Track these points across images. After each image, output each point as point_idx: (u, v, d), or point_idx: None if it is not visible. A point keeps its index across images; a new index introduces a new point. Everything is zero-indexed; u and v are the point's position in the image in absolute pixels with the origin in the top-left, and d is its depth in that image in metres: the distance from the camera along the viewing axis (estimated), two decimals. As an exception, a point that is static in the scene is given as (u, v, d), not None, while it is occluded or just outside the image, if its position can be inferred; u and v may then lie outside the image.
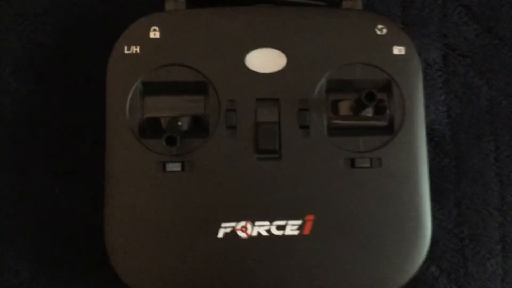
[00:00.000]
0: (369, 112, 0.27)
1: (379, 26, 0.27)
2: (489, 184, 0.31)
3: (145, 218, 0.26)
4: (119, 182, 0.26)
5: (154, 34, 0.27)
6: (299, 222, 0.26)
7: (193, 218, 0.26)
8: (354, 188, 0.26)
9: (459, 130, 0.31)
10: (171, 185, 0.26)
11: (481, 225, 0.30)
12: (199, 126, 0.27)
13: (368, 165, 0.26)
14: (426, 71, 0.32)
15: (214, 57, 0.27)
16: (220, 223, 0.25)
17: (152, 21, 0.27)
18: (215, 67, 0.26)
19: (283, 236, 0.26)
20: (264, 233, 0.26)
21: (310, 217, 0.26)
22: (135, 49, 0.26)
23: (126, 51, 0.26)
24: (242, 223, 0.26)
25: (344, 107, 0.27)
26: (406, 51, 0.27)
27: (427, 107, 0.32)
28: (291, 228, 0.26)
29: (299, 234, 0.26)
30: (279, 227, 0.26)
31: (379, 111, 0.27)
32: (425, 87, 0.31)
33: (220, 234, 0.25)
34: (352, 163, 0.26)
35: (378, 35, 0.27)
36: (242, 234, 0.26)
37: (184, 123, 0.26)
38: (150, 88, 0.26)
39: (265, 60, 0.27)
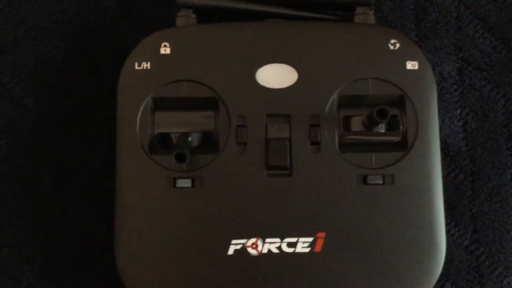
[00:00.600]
0: (381, 127, 0.27)
1: (392, 41, 0.27)
2: (506, 201, 0.30)
3: (155, 233, 0.26)
4: (129, 197, 0.26)
5: (165, 50, 0.27)
6: (310, 239, 0.26)
7: (203, 235, 0.26)
8: (366, 206, 0.26)
9: (475, 145, 0.31)
10: (181, 201, 0.26)
11: (497, 242, 0.30)
12: (209, 142, 0.27)
13: (381, 182, 0.26)
14: (441, 84, 0.32)
15: (224, 73, 0.27)
16: (230, 240, 0.26)
17: (163, 37, 0.27)
18: (226, 82, 0.27)
19: (294, 253, 0.25)
20: (275, 250, 0.26)
21: (321, 234, 0.26)
22: (146, 65, 0.27)
23: (137, 67, 0.27)
24: (253, 240, 0.26)
25: (356, 123, 0.27)
26: (420, 66, 0.27)
27: (442, 121, 0.32)
28: (302, 245, 0.26)
29: (310, 252, 0.25)
30: (290, 244, 0.26)
31: (392, 127, 0.27)
32: (440, 101, 0.32)
33: (231, 251, 0.25)
34: (364, 179, 0.26)
35: (391, 49, 0.27)
36: (252, 251, 0.26)
37: (194, 139, 0.27)
38: (161, 104, 0.27)
39: (275, 76, 0.27)
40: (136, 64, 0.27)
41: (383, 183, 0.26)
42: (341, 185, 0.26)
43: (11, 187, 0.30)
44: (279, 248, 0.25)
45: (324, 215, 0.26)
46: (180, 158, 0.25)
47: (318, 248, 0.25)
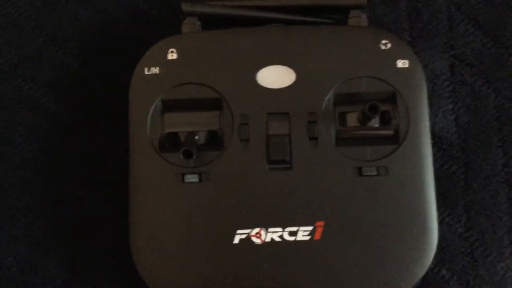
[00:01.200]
0: (375, 122, 0.28)
1: (383, 41, 0.29)
2: (498, 190, 0.32)
3: (166, 225, 0.28)
4: (142, 192, 0.28)
5: (172, 55, 0.29)
6: (310, 228, 0.27)
7: (210, 226, 0.27)
8: (361, 196, 0.27)
9: (467, 138, 0.32)
10: (189, 195, 0.28)
11: (490, 229, 0.31)
12: (214, 139, 0.28)
13: (375, 173, 0.28)
14: (434, 81, 0.33)
15: (227, 75, 0.28)
16: (235, 230, 0.27)
17: (170, 44, 0.29)
18: (229, 84, 0.28)
19: (295, 241, 0.27)
20: (277, 239, 0.27)
21: (320, 223, 0.27)
22: (155, 70, 0.29)
23: (146, 72, 0.29)
24: (257, 230, 0.27)
25: (351, 119, 0.28)
26: (410, 64, 0.28)
27: (435, 115, 0.33)
28: (303, 234, 0.27)
29: (310, 240, 0.27)
30: (291, 233, 0.27)
31: (385, 121, 0.28)
32: (434, 97, 0.33)
33: (236, 240, 0.27)
34: (359, 171, 0.28)
35: (383, 49, 0.29)
36: (256, 240, 0.27)
37: (200, 137, 0.28)
38: (169, 106, 0.29)
39: (275, 77, 0.28)
40: (146, 69, 0.29)
41: (378, 174, 0.28)
42: (338, 176, 0.27)
43: (37, 187, 0.32)
44: (281, 236, 0.27)
45: (322, 205, 0.27)
46: (187, 155, 0.27)
47: (317, 236, 0.27)
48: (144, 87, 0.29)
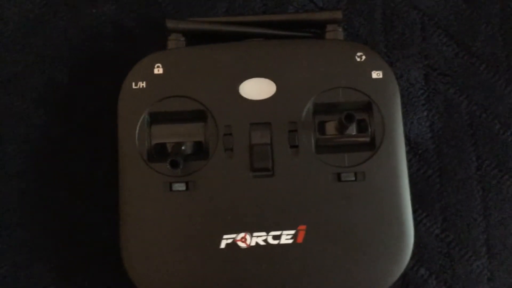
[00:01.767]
0: (352, 130, 0.30)
1: (359, 54, 0.30)
2: (472, 192, 0.33)
3: (155, 232, 0.29)
4: (132, 201, 0.29)
5: (158, 70, 0.30)
6: (292, 232, 0.28)
7: (198, 231, 0.29)
8: (341, 200, 0.29)
9: (442, 143, 0.34)
10: (177, 202, 0.29)
11: (466, 229, 0.33)
12: (200, 149, 0.30)
13: (353, 178, 0.29)
14: (409, 90, 0.35)
15: (211, 88, 0.30)
16: (222, 235, 0.28)
17: (156, 59, 0.30)
18: (213, 96, 0.30)
19: (279, 244, 0.28)
20: (262, 243, 0.28)
21: (302, 227, 0.29)
22: (142, 84, 0.30)
23: (134, 87, 0.30)
24: (242, 235, 0.29)
25: (330, 127, 0.30)
26: (384, 74, 0.30)
27: (411, 122, 0.34)
28: (286, 237, 0.28)
29: (293, 243, 0.28)
30: (275, 237, 0.29)
31: (361, 129, 0.30)
32: (408, 105, 0.35)
33: (223, 245, 0.28)
34: (338, 177, 0.29)
35: (358, 61, 0.30)
36: (242, 244, 0.28)
37: (187, 148, 0.30)
38: (156, 118, 0.30)
39: (256, 88, 0.30)
40: (133, 83, 0.30)
41: (355, 180, 0.29)
42: (318, 182, 0.29)
43: (29, 197, 0.33)
44: (265, 240, 0.28)
45: (304, 209, 0.29)
46: (174, 164, 0.28)
47: (300, 239, 0.28)
48: (131, 100, 0.30)
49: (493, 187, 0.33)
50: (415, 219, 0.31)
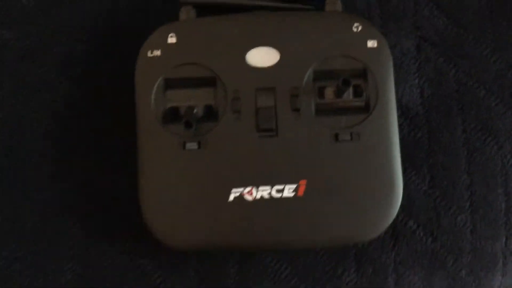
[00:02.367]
0: (349, 95, 0.32)
1: (355, 24, 0.33)
2: (458, 152, 0.36)
3: (171, 187, 0.31)
4: (149, 160, 0.32)
5: (172, 39, 0.32)
6: (294, 185, 0.31)
7: (209, 186, 0.31)
8: (338, 158, 0.31)
9: (431, 108, 0.37)
10: (190, 160, 0.32)
11: (451, 186, 0.36)
12: (211, 112, 0.32)
13: (349, 138, 0.32)
14: (402, 59, 0.37)
15: (220, 56, 0.32)
16: (230, 189, 0.31)
17: (170, 29, 0.32)
18: (222, 64, 0.32)
19: (282, 198, 0.31)
20: (266, 196, 0.31)
21: (303, 182, 0.31)
22: (157, 52, 0.32)
23: (149, 55, 0.32)
24: (248, 188, 0.31)
25: (329, 92, 0.32)
26: (378, 44, 0.32)
27: (403, 89, 0.37)
28: (288, 191, 0.31)
29: (294, 196, 0.31)
30: (278, 191, 0.31)
31: (357, 94, 0.32)
32: (401, 73, 0.37)
33: (231, 198, 0.31)
34: (336, 137, 0.32)
35: (355, 32, 0.32)
36: (248, 197, 0.31)
37: (199, 111, 0.32)
38: (170, 84, 0.32)
39: (262, 56, 0.32)
40: (149, 52, 0.32)
41: (351, 139, 0.31)
42: (317, 142, 0.32)
43: (53, 158, 0.36)
44: (269, 194, 0.31)
45: (305, 166, 0.31)
46: (188, 125, 0.31)
47: (300, 192, 0.31)
48: (147, 67, 0.32)
49: (477, 148, 0.36)
50: (405, 177, 0.34)
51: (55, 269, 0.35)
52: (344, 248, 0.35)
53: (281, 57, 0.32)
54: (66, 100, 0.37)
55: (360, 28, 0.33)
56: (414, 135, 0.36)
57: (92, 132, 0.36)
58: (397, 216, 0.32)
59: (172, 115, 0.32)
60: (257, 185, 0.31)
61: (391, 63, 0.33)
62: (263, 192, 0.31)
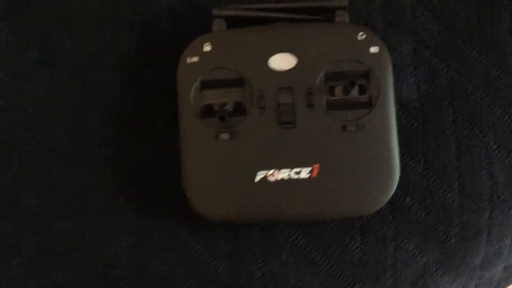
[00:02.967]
0: (355, 93, 0.38)
1: (360, 33, 0.38)
2: (448, 140, 0.41)
3: (207, 171, 0.37)
4: (190, 147, 0.37)
5: (207, 48, 0.38)
6: (309, 168, 0.37)
7: (239, 170, 0.37)
8: (345, 145, 0.37)
9: (425, 102, 0.41)
10: (223, 149, 0.37)
11: (442, 168, 0.41)
12: (239, 108, 0.37)
13: (355, 129, 0.37)
14: (401, 60, 0.41)
15: (247, 61, 0.38)
16: (256, 172, 0.37)
17: (206, 39, 0.38)
18: (249, 68, 0.37)
19: (299, 179, 0.37)
20: (286, 177, 0.37)
21: (316, 165, 0.37)
22: (195, 59, 0.38)
23: (188, 61, 0.38)
24: (271, 171, 0.37)
25: (338, 91, 0.37)
26: (380, 49, 0.38)
27: (401, 86, 0.41)
28: (304, 173, 0.37)
29: (309, 177, 0.37)
30: (296, 173, 0.37)
31: (362, 92, 0.37)
32: (400, 72, 0.41)
33: (257, 179, 0.37)
34: (344, 128, 0.37)
35: (359, 39, 0.38)
36: (271, 178, 0.37)
37: (229, 107, 0.37)
38: (206, 85, 0.37)
39: (282, 61, 0.37)
40: (188, 58, 0.38)
41: (357, 130, 0.36)
42: (328, 132, 0.36)
43: (105, 145, 0.41)
44: (289, 175, 0.37)
45: (318, 152, 0.37)
46: (222, 119, 0.37)
47: (315, 174, 0.37)
48: (187, 72, 0.37)
49: (465, 136, 0.41)
50: (402, 161, 0.39)
51: (113, 239, 0.41)
52: (351, 220, 0.41)
53: (298, 61, 0.37)
54: (117, 97, 0.41)
55: (364, 36, 0.38)
56: (411, 125, 0.41)
57: (141, 125, 0.41)
58: (396, 193, 0.37)
59: (208, 111, 0.37)
60: (278, 168, 0.36)
61: (390, 65, 0.38)
62: (284, 174, 0.36)
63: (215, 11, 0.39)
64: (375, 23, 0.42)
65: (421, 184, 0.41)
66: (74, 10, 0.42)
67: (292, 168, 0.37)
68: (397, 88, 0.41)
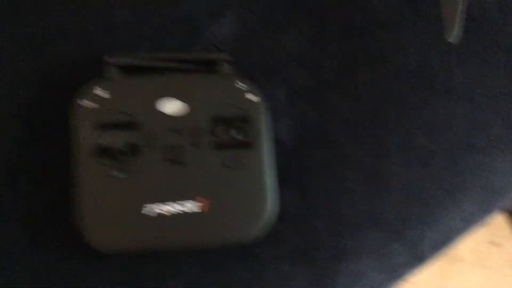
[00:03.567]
0: (235, 134, 0.42)
1: (240, 83, 0.43)
2: (318, 174, 0.47)
3: (101, 204, 0.40)
4: (85, 184, 0.40)
5: (100, 92, 0.41)
6: (194, 202, 0.40)
7: (129, 202, 0.40)
8: (227, 181, 0.41)
9: (298, 142, 0.45)
10: (115, 185, 0.40)
11: (313, 201, 0.46)
12: (133, 148, 0.40)
13: (236, 166, 0.40)
14: (276, 105, 0.47)
15: (139, 105, 0.41)
16: (143, 204, 0.40)
17: (98, 83, 0.41)
18: (140, 111, 0.41)
19: (185, 211, 0.40)
20: (173, 210, 0.40)
21: (201, 199, 0.40)
22: (88, 102, 0.40)
23: (81, 104, 0.40)
24: (160, 204, 0.40)
25: (220, 132, 0.41)
26: (256, 97, 0.43)
27: (278, 128, 0.47)
28: (190, 205, 0.40)
29: (194, 209, 0.39)
30: (181, 205, 0.40)
31: (241, 133, 0.42)
32: (276, 115, 0.46)
33: (146, 211, 0.41)
34: (226, 165, 0.41)
35: (239, 88, 0.43)
36: (159, 211, 0.40)
37: (124, 147, 0.40)
38: (99, 126, 0.40)
39: (171, 106, 0.41)
40: (81, 101, 0.40)
41: (237, 167, 0.40)
42: (212, 169, 0.40)
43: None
44: (176, 208, 0.40)
45: (203, 187, 0.40)
46: (114, 158, 0.40)
47: (199, 207, 0.40)
48: (80, 114, 0.41)
49: (331, 172, 0.47)
50: (281, 192, 0.44)
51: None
52: (235, 247, 0.44)
53: (186, 106, 0.41)
54: (15, 141, 0.44)
55: (243, 86, 0.44)
56: (287, 162, 0.45)
57: (40, 161, 0.43)
58: (275, 222, 0.42)
59: (102, 151, 0.40)
60: (165, 201, 0.40)
61: (265, 111, 0.44)
62: (171, 206, 0.39)
63: (107, 58, 0.43)
64: (254, 74, 0.46)
65: (295, 214, 0.45)
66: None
67: (178, 201, 0.40)
68: (275, 129, 0.47)
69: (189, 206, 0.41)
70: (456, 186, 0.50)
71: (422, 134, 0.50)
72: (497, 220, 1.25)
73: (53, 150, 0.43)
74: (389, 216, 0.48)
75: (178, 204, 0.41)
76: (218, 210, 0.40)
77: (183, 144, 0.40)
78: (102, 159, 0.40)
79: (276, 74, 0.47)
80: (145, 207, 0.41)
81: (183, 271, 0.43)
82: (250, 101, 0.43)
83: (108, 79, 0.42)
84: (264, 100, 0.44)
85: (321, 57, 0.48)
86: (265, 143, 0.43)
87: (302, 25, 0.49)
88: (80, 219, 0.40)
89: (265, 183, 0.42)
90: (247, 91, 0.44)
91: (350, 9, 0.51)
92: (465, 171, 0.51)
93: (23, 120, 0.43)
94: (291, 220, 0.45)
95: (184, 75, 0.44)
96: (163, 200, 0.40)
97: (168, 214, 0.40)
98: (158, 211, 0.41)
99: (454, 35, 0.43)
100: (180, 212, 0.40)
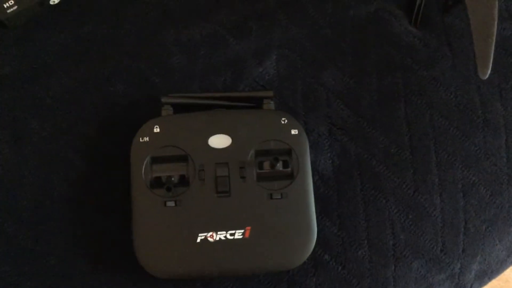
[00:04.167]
0: (280, 167, 0.45)
1: (283, 119, 0.46)
2: (357, 205, 0.49)
3: (156, 232, 0.44)
4: (140, 213, 0.44)
5: (156, 129, 0.45)
6: (242, 230, 0.44)
7: (183, 232, 0.43)
8: (272, 210, 0.44)
9: (339, 174, 0.49)
10: (169, 214, 0.44)
11: (353, 229, 0.49)
12: (184, 180, 0.44)
13: (280, 197, 0.44)
14: (318, 139, 0.50)
15: (190, 141, 0.45)
16: (198, 234, 0.44)
17: (155, 122, 0.45)
18: (191, 146, 0.45)
19: (234, 239, 0.44)
20: (223, 238, 0.44)
21: (248, 228, 0.44)
22: (146, 138, 0.45)
23: (140, 140, 0.45)
24: (210, 233, 0.44)
25: (266, 165, 0.45)
26: (299, 132, 0.46)
27: (319, 161, 0.50)
28: (238, 234, 0.44)
29: (242, 238, 0.44)
30: (231, 234, 0.44)
31: (285, 166, 0.45)
32: (317, 149, 0.50)
33: (198, 240, 0.44)
34: (270, 196, 0.45)
35: (282, 123, 0.46)
36: (210, 239, 0.44)
37: (175, 179, 0.45)
38: (155, 160, 0.45)
39: (219, 141, 0.45)
40: (140, 138, 0.45)
41: (281, 197, 0.44)
42: (258, 199, 0.44)
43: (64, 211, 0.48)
44: (225, 236, 0.43)
45: (249, 216, 0.44)
46: (168, 189, 0.44)
47: (247, 235, 0.43)
48: (139, 149, 0.45)
49: (371, 202, 0.49)
50: (320, 223, 0.47)
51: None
52: (278, 274, 0.47)
53: (232, 141, 0.45)
54: (78, 171, 0.49)
55: (286, 121, 0.47)
56: (327, 193, 0.49)
57: (99, 197, 0.48)
58: (316, 250, 0.45)
59: (156, 183, 0.44)
60: (216, 230, 0.43)
61: (307, 144, 0.46)
62: (220, 235, 0.43)
63: (163, 99, 0.47)
64: (296, 109, 0.51)
65: (336, 243, 0.48)
66: (40, 97, 0.50)
67: (227, 230, 0.43)
68: (315, 162, 0.49)
69: (237, 235, 0.44)
70: (499, 216, 0.51)
71: (462, 165, 0.51)
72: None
73: (113, 182, 0.48)
74: (432, 246, 0.49)
75: (227, 233, 0.44)
76: (264, 239, 0.43)
77: (230, 176, 0.44)
78: (158, 190, 0.43)
79: (317, 109, 0.51)
80: (198, 235, 0.44)
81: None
82: (294, 135, 0.46)
83: (164, 117, 0.46)
84: (306, 133, 0.47)
85: (360, 92, 0.51)
86: (307, 175, 0.46)
87: (341, 62, 0.52)
88: (138, 247, 0.43)
89: (310, 213, 0.45)
90: (291, 126, 0.46)
91: (388, 47, 0.53)
92: (506, 201, 0.51)
93: (87, 154, 0.48)
94: (332, 249, 0.48)
95: (231, 111, 0.48)
96: (213, 229, 0.43)
97: (218, 242, 0.43)
98: (209, 239, 0.44)
99: (487, 72, 0.45)
100: (230, 240, 0.43)
